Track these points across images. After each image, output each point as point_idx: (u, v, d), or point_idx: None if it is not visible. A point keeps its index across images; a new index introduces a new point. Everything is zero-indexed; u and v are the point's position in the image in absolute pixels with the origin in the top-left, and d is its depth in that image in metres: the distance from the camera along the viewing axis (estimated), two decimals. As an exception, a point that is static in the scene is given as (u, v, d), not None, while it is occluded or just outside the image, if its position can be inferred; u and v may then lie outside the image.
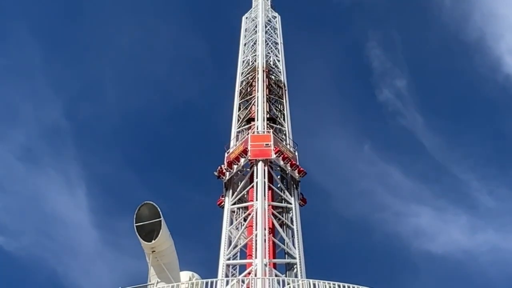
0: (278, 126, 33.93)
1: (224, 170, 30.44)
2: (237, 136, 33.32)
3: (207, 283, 21.38)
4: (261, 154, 29.88)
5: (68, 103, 76.60)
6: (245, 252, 27.38)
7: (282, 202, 29.82)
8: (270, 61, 40.12)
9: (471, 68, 78.36)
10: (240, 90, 37.49)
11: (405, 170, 74.12)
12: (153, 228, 21.85)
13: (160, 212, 21.80)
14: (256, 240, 26.14)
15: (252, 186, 29.27)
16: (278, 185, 30.41)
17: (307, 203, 30.65)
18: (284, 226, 28.87)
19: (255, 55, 40.04)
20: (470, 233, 68.17)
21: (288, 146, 31.98)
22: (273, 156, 29.89)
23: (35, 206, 68.46)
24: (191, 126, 73.56)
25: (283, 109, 35.98)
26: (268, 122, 33.33)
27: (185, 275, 23.98)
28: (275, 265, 26.61)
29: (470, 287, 64.56)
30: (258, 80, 36.66)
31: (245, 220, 28.72)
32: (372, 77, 77.96)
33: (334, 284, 20.91)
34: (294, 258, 26.92)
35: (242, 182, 30.45)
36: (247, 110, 35.61)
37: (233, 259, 27.52)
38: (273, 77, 38.40)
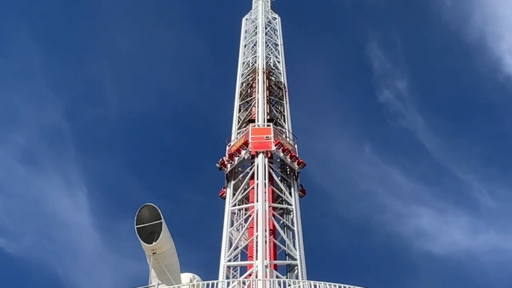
0: (278, 128, 33.97)
1: (225, 162, 31.03)
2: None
3: (208, 284, 21.39)
4: (261, 146, 30.60)
5: (69, 104, 76.58)
6: (245, 253, 27.37)
7: (282, 203, 29.84)
8: (270, 62, 40.16)
9: (472, 69, 78.42)
10: (240, 91, 37.52)
11: (406, 171, 74.10)
12: (154, 230, 21.82)
13: (161, 214, 21.78)
14: (256, 242, 26.14)
15: (253, 188, 29.28)
16: (279, 186, 30.38)
17: (306, 194, 31.35)
18: (285, 228, 28.87)
19: (255, 56, 40.08)
20: (471, 234, 68.14)
21: (287, 139, 32.61)
22: (273, 148, 30.52)
23: (36, 208, 68.44)
24: (192, 128, 73.63)
25: (283, 111, 36.01)
26: (268, 123, 33.27)
27: (186, 277, 23.94)
28: (276, 267, 26.58)
29: (471, 288, 64.53)
30: (258, 82, 36.69)
31: (245, 221, 28.72)
32: (372, 78, 77.98)
33: (335, 286, 20.90)
34: (295, 259, 26.90)
35: (243, 184, 30.48)
36: (248, 112, 35.63)
37: (234, 261, 27.53)
38: (273, 78, 38.44)
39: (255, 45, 41.72)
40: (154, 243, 21.72)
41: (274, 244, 27.32)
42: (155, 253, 22.02)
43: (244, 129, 32.92)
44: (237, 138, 32.66)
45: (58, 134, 72.94)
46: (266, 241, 26.14)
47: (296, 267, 26.70)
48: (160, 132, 76.27)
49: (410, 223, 69.04)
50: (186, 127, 74.91)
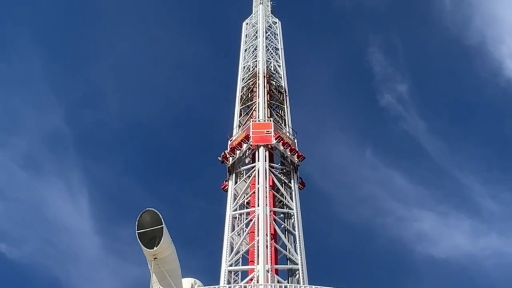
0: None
1: (227, 155, 31.89)
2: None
3: (209, 289, 21.35)
4: (262, 140, 31.53)
5: (70, 109, 76.78)
6: (247, 258, 27.36)
7: (283, 208, 29.83)
8: (271, 66, 40.21)
9: (473, 72, 78.45)
10: (241, 96, 37.55)
11: (407, 174, 74.13)
12: (155, 235, 21.77)
13: (162, 219, 21.73)
14: (258, 246, 26.11)
15: (254, 192, 29.28)
16: (279, 190, 30.37)
17: (305, 186, 32.31)
18: (286, 232, 28.84)
19: (256, 61, 40.12)
20: (473, 238, 68.02)
21: (287, 134, 33.50)
22: (274, 141, 31.37)
23: (37, 213, 68.49)
24: (193, 132, 73.62)
25: (284, 115, 36.04)
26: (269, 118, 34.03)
27: (187, 282, 23.94)
28: (277, 271, 26.56)
29: (473, 292, 64.39)
30: (259, 86, 36.71)
31: (246, 226, 28.69)
32: (373, 82, 78.00)
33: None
34: (296, 264, 26.88)
35: (244, 187, 30.49)
36: (248, 116, 35.64)
37: (235, 266, 27.50)
38: (273, 82, 38.48)
39: (255, 49, 41.76)
40: (155, 248, 21.66)
41: (275, 249, 27.31)
42: (156, 258, 21.97)
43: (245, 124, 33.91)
44: (238, 133, 33.55)
45: (59, 139, 73.07)
46: (267, 246, 26.12)
47: (297, 272, 26.67)
48: (161, 136, 76.41)
49: (412, 227, 69.02)
50: (187, 132, 74.96)
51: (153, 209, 21.97)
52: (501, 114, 75.57)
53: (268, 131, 31.87)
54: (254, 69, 39.42)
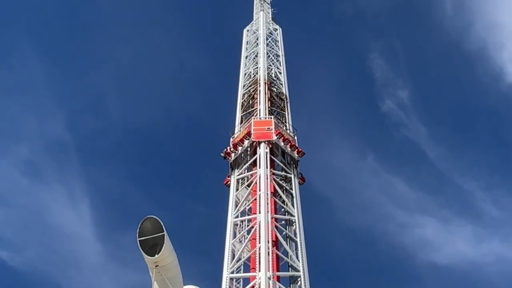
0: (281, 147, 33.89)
1: (229, 152, 32.69)
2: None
3: (210, 297, 21.32)
4: (263, 136, 32.28)
5: (71, 116, 76.99)
6: (248, 265, 27.27)
7: (285, 214, 29.78)
8: (272, 73, 40.27)
9: (474, 78, 78.58)
10: (242, 102, 37.59)
11: (409, 180, 74.15)
12: (156, 242, 21.80)
13: (163, 226, 21.77)
14: (259, 253, 26.05)
15: (255, 199, 29.24)
16: (282, 198, 30.33)
17: (305, 182, 32.92)
18: (288, 239, 28.78)
19: (257, 67, 40.17)
20: (475, 244, 67.94)
21: (288, 131, 34.45)
22: (274, 137, 32.15)
23: (39, 220, 68.55)
24: (194, 139, 73.73)
25: (285, 121, 36.04)
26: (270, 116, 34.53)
27: (188, 289, 23.90)
28: (279, 278, 26.43)
29: (476, 298, 64.18)
30: (260, 93, 36.75)
31: (248, 233, 28.63)
32: (374, 88, 78.19)
33: (338, 297, 20.79)
34: (298, 271, 26.79)
35: (245, 194, 30.45)
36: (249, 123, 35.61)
37: (237, 273, 27.39)
38: (274, 89, 38.51)
39: (256, 56, 41.82)
40: (156, 255, 21.68)
41: (277, 256, 27.21)
42: (157, 265, 21.99)
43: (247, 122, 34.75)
44: (240, 130, 34.51)
45: (61, 146, 73.27)
46: (269, 253, 26.04)
47: (299, 279, 26.58)
48: (162, 143, 76.55)
49: (413, 233, 68.99)
50: (189, 138, 75.08)
51: (154, 216, 22.01)
52: (502, 119, 75.69)
53: (269, 128, 32.75)
54: (255, 75, 39.47)
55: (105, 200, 72.34)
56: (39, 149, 73.53)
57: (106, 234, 69.20)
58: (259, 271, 25.37)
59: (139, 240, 21.71)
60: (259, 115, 34.66)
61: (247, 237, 28.47)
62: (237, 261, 27.47)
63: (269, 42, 43.88)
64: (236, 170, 31.97)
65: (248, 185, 30.78)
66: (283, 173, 31.79)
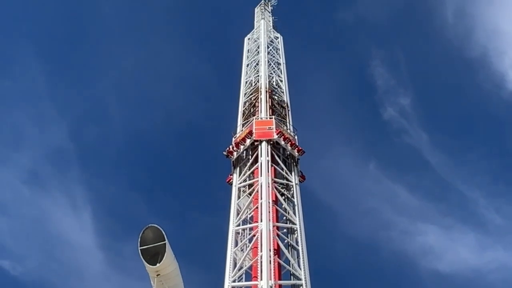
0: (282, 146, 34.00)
1: (232, 150, 33.43)
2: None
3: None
4: (264, 135, 33.06)
5: (73, 124, 77.02)
6: (250, 274, 27.19)
7: (287, 223, 29.73)
8: (273, 81, 40.33)
9: (475, 85, 78.48)
10: (243, 111, 37.63)
11: (411, 188, 73.96)
12: (158, 251, 21.74)
13: (165, 235, 21.71)
14: (261, 262, 25.99)
15: (257, 207, 29.20)
16: (283, 206, 30.28)
17: (305, 180, 33.56)
18: (290, 247, 28.72)
19: (258, 75, 40.22)
20: (478, 251, 67.67)
21: (288, 131, 35.24)
22: (275, 136, 32.88)
23: (41, 229, 68.43)
24: (196, 147, 73.72)
25: (287, 129, 36.02)
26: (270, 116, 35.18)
27: (190, 298, 23.80)
28: (280, 287, 26.37)
29: (479, 306, 63.89)
30: (261, 101, 36.80)
31: (250, 241, 28.58)
32: (376, 95, 78.22)
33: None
34: (300, 279, 26.69)
35: (247, 202, 30.43)
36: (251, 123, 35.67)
37: (239, 281, 27.29)
38: (276, 97, 38.55)
39: (257, 64, 41.89)
40: (158, 264, 21.62)
41: (279, 264, 27.15)
42: (159, 274, 21.93)
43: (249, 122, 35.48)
44: (242, 130, 35.30)
45: (62, 155, 73.32)
46: (270, 261, 25.99)
47: (301, 287, 26.50)
48: (164, 151, 76.50)
49: (416, 241, 68.74)
50: (190, 146, 75.09)
51: (155, 225, 21.96)
52: (505, 126, 75.55)
53: (270, 128, 33.61)
54: (256, 84, 39.50)
55: (107, 208, 72.31)
56: (40, 157, 73.61)
57: (108, 242, 69.02)
58: (261, 279, 25.30)
59: (141, 249, 21.65)
60: (260, 116, 35.39)
61: (248, 246, 28.42)
62: (239, 270, 27.40)
63: (270, 50, 43.98)
64: (237, 172, 32.42)
65: (250, 194, 30.79)
66: (285, 181, 31.83)
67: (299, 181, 32.58)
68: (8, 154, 72.21)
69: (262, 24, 46.98)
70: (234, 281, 26.82)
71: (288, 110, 37.81)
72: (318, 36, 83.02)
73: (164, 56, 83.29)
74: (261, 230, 27.36)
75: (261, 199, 29.07)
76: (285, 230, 29.49)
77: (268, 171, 30.58)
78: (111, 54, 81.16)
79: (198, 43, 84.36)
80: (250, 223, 29.55)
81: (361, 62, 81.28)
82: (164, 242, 21.60)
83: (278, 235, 28.17)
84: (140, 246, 21.67)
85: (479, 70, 77.80)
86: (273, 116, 35.00)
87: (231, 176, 32.85)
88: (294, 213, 29.92)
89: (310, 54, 76.54)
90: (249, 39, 46.53)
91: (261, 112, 35.81)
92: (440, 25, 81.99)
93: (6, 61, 78.99)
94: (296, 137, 34.84)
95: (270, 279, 25.17)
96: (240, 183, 31.79)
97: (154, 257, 21.88)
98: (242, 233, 29.60)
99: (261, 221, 27.90)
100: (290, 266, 27.57)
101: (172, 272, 22.20)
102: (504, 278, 64.34)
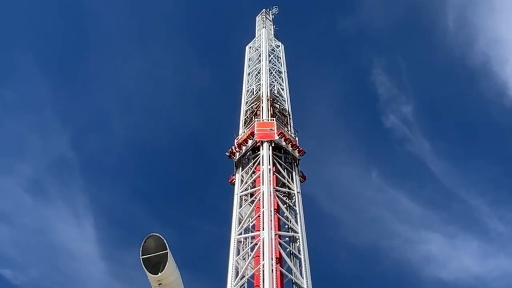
0: (283, 155, 34.02)
1: (234, 151, 34.12)
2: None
3: (214, 315, 21.18)
4: (266, 136, 33.82)
5: (76, 135, 77.27)
6: (252, 282, 27.12)
7: (289, 231, 29.68)
8: (274, 90, 40.40)
9: (477, 93, 78.61)
10: (245, 119, 37.67)
11: (414, 196, 73.87)
12: (160, 260, 21.65)
13: (167, 244, 21.62)
14: (263, 270, 25.94)
15: (259, 216, 29.17)
16: (284, 214, 30.24)
17: (306, 180, 34.09)
18: (292, 256, 28.67)
19: (259, 84, 40.31)
20: (481, 259, 67.51)
21: (289, 133, 35.82)
22: (276, 137, 33.54)
23: (43, 239, 68.44)
24: (198, 156, 73.79)
25: (287, 131, 36.04)
26: (273, 150, 33.94)
27: (192, 307, 23.69)
28: (283, 296, 26.34)
29: (482, 314, 63.61)
30: (262, 109, 36.85)
31: (252, 250, 28.53)
32: (378, 104, 78.36)
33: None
34: (302, 288, 26.65)
35: (249, 211, 30.39)
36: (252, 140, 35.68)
37: (241, 290, 27.26)
38: (277, 105, 38.60)
39: (259, 72, 41.98)
40: (160, 273, 21.53)
41: (281, 273, 27.09)
42: (161, 284, 21.80)
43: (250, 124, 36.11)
44: (244, 132, 36.04)
45: (65, 164, 73.44)
46: (272, 270, 25.93)
47: (303, 296, 26.44)
48: (166, 160, 76.61)
49: (419, 249, 68.60)
50: (192, 155, 75.16)
51: (157, 234, 21.88)
52: (507, 134, 75.52)
53: (272, 129, 34.36)
54: (257, 92, 39.57)
55: (109, 218, 72.37)
56: (43, 167, 73.78)
57: (110, 252, 69.06)
58: (263, 288, 25.23)
59: (142, 258, 21.57)
60: (262, 118, 35.93)
61: (250, 254, 28.36)
62: (241, 278, 27.36)
63: (272, 58, 44.10)
64: (240, 172, 33.02)
65: (252, 202, 30.79)
66: (286, 189, 31.81)
67: (300, 181, 33.03)
68: (11, 164, 72.42)
69: (264, 33, 47.12)
70: (236, 290, 26.77)
71: (290, 119, 37.86)
72: (320, 45, 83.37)
73: (166, 65, 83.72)
74: (263, 239, 27.33)
75: (263, 207, 29.05)
76: (287, 238, 29.46)
77: (270, 180, 30.57)
78: (113, 64, 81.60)
79: (199, 52, 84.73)
80: (252, 232, 29.51)
81: (363, 70, 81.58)
82: (166, 251, 21.49)
83: (280, 243, 28.15)
84: (142, 255, 21.55)
85: (481, 78, 78.00)
86: (274, 119, 35.49)
87: (233, 177, 33.40)
88: (296, 222, 29.89)
89: (311, 63, 76.89)
90: (250, 47, 46.66)
91: (262, 116, 35.94)
92: (442, 34, 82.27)
93: (9, 70, 79.44)
94: (297, 138, 35.42)
95: (272, 288, 25.10)
96: (242, 191, 31.78)
97: (156, 266, 21.77)
98: (244, 241, 29.56)
99: (263, 229, 27.87)
100: (292, 275, 27.53)
101: (174, 281, 22.07)
102: (507, 286, 64.15)
